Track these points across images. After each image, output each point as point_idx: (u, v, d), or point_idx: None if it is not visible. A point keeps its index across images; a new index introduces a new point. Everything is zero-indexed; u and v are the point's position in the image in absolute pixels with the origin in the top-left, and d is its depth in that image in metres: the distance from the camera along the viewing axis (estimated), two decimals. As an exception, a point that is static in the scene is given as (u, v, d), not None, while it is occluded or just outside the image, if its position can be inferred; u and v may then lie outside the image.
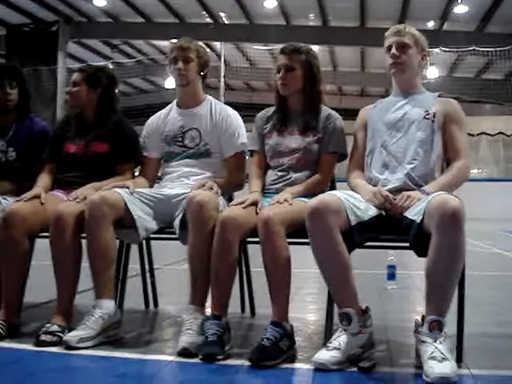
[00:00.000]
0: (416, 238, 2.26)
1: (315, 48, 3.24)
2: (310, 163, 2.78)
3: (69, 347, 2.43)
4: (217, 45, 17.74)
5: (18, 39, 19.53)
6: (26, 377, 2.18)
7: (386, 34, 2.70)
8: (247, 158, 3.00)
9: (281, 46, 2.88)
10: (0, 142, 3.14)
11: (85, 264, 2.66)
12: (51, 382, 2.14)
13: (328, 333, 2.45)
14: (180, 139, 2.99)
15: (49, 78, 18.28)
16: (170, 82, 18.73)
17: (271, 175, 2.83)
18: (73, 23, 18.90)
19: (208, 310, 2.51)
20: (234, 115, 3.03)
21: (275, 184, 2.78)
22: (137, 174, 3.11)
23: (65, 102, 17.48)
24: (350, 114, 3.10)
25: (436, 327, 2.15)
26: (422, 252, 2.28)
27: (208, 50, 3.11)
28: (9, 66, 3.34)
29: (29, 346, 2.50)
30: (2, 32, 20.45)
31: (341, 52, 18.80)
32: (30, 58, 18.83)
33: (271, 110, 2.93)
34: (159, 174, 3.10)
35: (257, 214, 2.48)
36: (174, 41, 3.05)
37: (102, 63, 16.33)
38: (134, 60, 20.47)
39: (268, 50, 17.78)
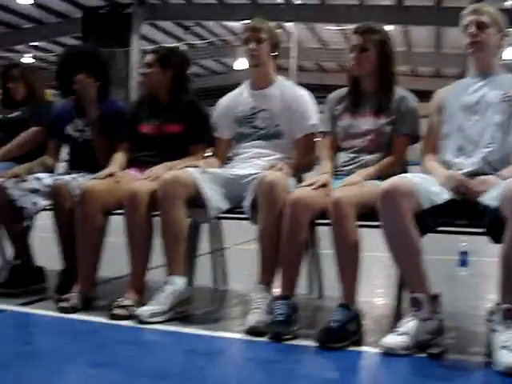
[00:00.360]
0: (491, 223, 2.20)
1: (389, 28, 3.17)
2: (382, 145, 2.73)
3: (141, 321, 2.51)
4: (288, 25, 17.61)
5: (93, 22, 19.99)
6: (100, 348, 2.27)
7: (463, 12, 2.61)
8: (318, 139, 2.99)
9: (353, 26, 2.83)
10: (79, 122, 3.25)
11: (157, 241, 2.72)
12: (123, 353, 2.22)
13: (397, 317, 2.43)
14: (251, 120, 3.00)
15: (123, 60, 18.65)
16: (239, 63, 18.80)
17: (342, 157, 2.80)
18: (146, 5, 19.18)
19: (276, 290, 2.53)
20: (305, 96, 3.02)
21: (346, 166, 2.75)
22: (209, 154, 3.15)
23: (138, 83, 17.81)
24: (423, 95, 3.02)
25: (510, 316, 2.09)
26: (497, 238, 2.21)
27: (279, 30, 3.10)
28: (88, 51, 3.39)
29: (103, 319, 2.59)
30: (78, 15, 21.00)
31: (415, 32, 18.31)
32: (105, 40, 19.22)
33: (344, 91, 2.90)
34: (230, 155, 3.12)
35: (327, 195, 2.47)
36: (246, 22, 3.05)
37: (174, 45, 16.51)
38: (205, 41, 20.61)
39: (340, 30, 17.51)
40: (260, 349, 2.31)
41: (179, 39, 19.94)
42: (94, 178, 2.83)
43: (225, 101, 3.16)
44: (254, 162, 2.88)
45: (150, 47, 12.42)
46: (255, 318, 2.43)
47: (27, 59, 23.24)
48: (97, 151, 3.20)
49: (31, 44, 25.24)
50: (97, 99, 3.21)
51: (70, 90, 3.22)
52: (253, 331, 2.39)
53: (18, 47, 25.31)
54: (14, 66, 3.63)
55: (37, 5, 21.27)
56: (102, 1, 20.11)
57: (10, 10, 22.21)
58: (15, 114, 3.54)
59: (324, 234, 2.64)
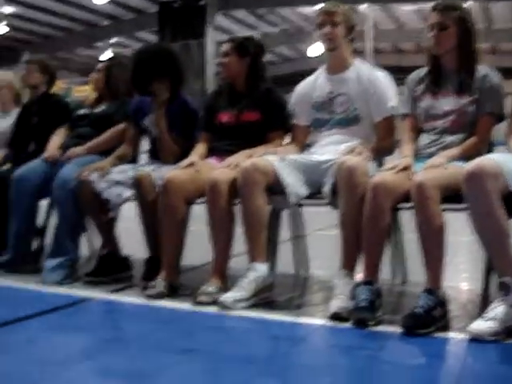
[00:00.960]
0: None
1: (468, 4, 3.06)
2: (465, 125, 2.64)
3: (224, 308, 2.54)
4: (363, 7, 17.30)
5: (169, 15, 20.31)
6: (185, 334, 2.32)
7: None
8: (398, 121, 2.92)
9: (431, 4, 2.75)
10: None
11: (240, 229, 2.74)
12: (208, 339, 2.25)
13: (484, 302, 2.36)
14: (329, 105, 2.97)
15: (198, 51, 18.87)
16: (313, 49, 18.65)
17: (424, 139, 2.73)
18: (220, -5, 19.31)
19: (359, 276, 2.51)
20: (383, 78, 2.96)
21: (428, 148, 2.68)
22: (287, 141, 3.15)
23: (215, 74, 18.00)
24: (507, 72, 2.89)
25: None
26: None
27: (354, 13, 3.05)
28: (161, 56, 3.31)
29: (187, 306, 2.65)
30: (154, 9, 21.40)
31: (496, 7, 17.58)
32: (180, 32, 19.55)
33: (423, 71, 2.82)
34: (308, 142, 3.11)
35: (409, 179, 2.41)
36: (320, 6, 3.02)
37: (248, 33, 16.57)
38: (279, 28, 20.56)
39: (417, 9, 17.03)
40: (343, 335, 2.29)
41: (253, 28, 19.99)
42: (175, 169, 2.88)
43: (301, 87, 3.14)
44: (333, 148, 2.84)
45: (224, 37, 12.52)
46: (338, 303, 2.41)
47: (107, 56, 23.82)
48: (162, 148, 3.27)
49: (110, 41, 25.95)
50: (169, 98, 3.26)
51: (145, 92, 3.30)
52: (336, 317, 2.38)
53: (98, 44, 26.10)
54: (113, 60, 3.75)
55: (113, 2, 21.84)
56: (176, -6, 20.39)
57: (88, 9, 22.91)
58: (101, 108, 3.65)
59: (407, 218, 2.58)
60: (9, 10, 23.27)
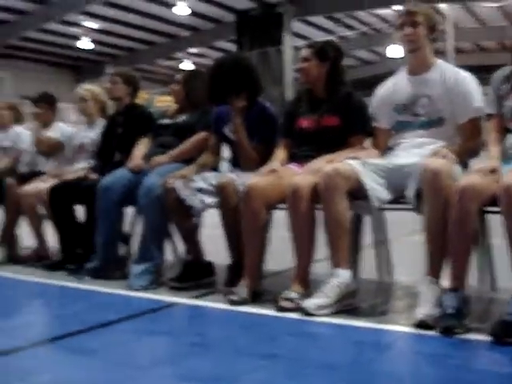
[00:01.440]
0: None
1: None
2: (556, 124, 2.53)
3: (307, 314, 2.53)
4: (442, 6, 16.88)
5: (246, 24, 20.53)
6: (267, 339, 2.32)
7: None
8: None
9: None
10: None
11: (322, 234, 2.73)
12: (290, 345, 2.26)
13: None
14: (411, 107, 2.91)
15: (276, 58, 18.96)
16: (392, 51, 18.34)
17: (510, 139, 2.63)
18: (296, 2, 19.33)
19: (445, 282, 2.44)
20: (467, 78, 2.86)
21: (516, 149, 2.58)
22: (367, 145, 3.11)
23: (293, 80, 18.03)
24: None
25: None
26: None
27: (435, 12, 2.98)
28: (238, 70, 3.32)
29: (270, 311, 2.65)
30: (232, 18, 21.69)
31: None
32: (258, 40, 19.71)
33: (508, 69, 2.71)
34: (390, 145, 3.05)
35: (497, 182, 2.32)
36: (398, 7, 2.96)
37: (326, 38, 16.51)
38: (357, 32, 20.38)
39: (499, 6, 16.46)
40: (429, 343, 2.23)
41: (330, 32, 19.91)
42: (257, 175, 2.90)
43: (382, 90, 3.09)
44: (416, 151, 2.78)
45: (301, 43, 12.53)
46: (424, 311, 2.35)
47: (186, 66, 24.39)
48: (241, 155, 3.30)
49: (189, 51, 26.48)
50: (246, 107, 3.29)
51: (222, 103, 3.34)
52: (421, 325, 2.32)
53: (178, 55, 26.70)
54: (194, 72, 3.84)
55: (192, 13, 22.27)
56: (253, 3, 20.60)
57: (169, 21, 23.47)
58: (183, 118, 3.73)
59: (495, 222, 2.49)
60: (93, 25, 24.21)
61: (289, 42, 18.96)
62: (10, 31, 23.14)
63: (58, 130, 4.69)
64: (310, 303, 2.56)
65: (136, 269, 3.29)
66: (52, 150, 4.63)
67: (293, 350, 2.17)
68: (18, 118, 5.12)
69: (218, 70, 3.32)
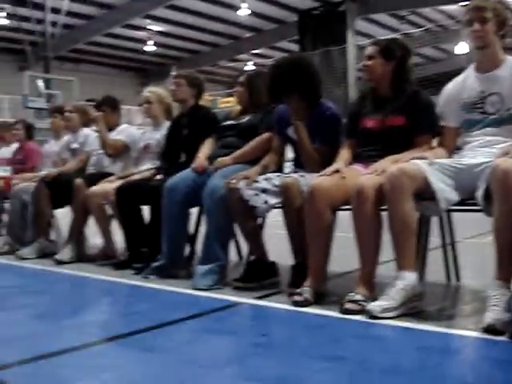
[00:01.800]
0: None
1: None
2: None
3: (372, 316, 2.49)
4: (512, 2, 16.35)
5: (309, 23, 20.49)
6: (332, 341, 2.30)
7: None
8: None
9: None
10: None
11: (387, 235, 2.69)
12: (355, 347, 2.23)
13: None
14: (480, 105, 2.83)
15: (339, 58, 18.86)
16: (461, 48, 17.92)
17: None
18: (359, 0, 19.16)
19: (516, 286, 2.36)
20: None
21: None
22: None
23: (356, 80, 17.87)
24: None
25: None
26: None
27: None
28: (297, 72, 3.30)
29: (334, 313, 2.63)
30: (294, 19, 21.69)
31: None
32: (321, 39, 19.66)
33: None
34: (458, 144, 2.98)
35: None
36: (465, 3, 2.88)
37: (390, 36, 16.28)
38: (422, 29, 20.00)
39: None
40: (498, 348, 2.16)
41: (394, 30, 19.64)
42: (321, 175, 2.89)
43: (450, 87, 3.01)
44: (486, 151, 2.70)
45: (365, 42, 12.39)
46: (493, 315, 2.28)
47: (249, 67, 24.54)
48: (304, 156, 3.28)
49: (252, 52, 26.64)
50: (307, 107, 3.27)
51: (281, 102, 3.34)
52: (490, 329, 2.24)
53: (241, 56, 26.89)
54: (257, 73, 3.85)
55: (255, 14, 22.40)
56: (315, 2, 20.53)
57: (231, 23, 23.67)
58: (246, 119, 3.75)
59: None
60: (157, 28, 24.66)
61: (352, 41, 18.81)
62: (78, 36, 23.88)
63: (124, 132, 4.80)
64: (374, 306, 2.52)
65: (200, 269, 3.32)
66: (118, 152, 4.75)
67: (357, 353, 2.14)
68: (87, 121, 5.27)
69: (276, 69, 3.32)
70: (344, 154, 3.11)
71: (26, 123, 6.27)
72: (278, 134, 3.47)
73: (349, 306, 2.61)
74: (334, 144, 3.25)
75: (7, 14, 22.04)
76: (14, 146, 6.18)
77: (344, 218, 2.91)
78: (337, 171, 2.88)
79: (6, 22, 22.83)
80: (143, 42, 25.83)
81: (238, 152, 3.60)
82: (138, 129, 5.19)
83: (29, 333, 2.52)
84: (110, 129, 4.86)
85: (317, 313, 2.67)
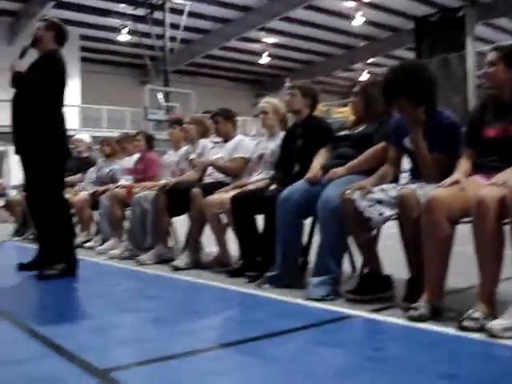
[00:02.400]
0: None
1: None
2: None
3: (492, 335, 2.38)
4: None
5: (425, 30, 20.03)
6: (448, 359, 2.22)
7: None
8: None
9: None
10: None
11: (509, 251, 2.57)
12: (473, 366, 2.14)
13: None
14: None
15: (457, 65, 18.27)
16: None
17: None
18: (479, 5, 18.49)
19: None
20: None
21: None
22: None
23: (476, 87, 17.23)
24: None
25: None
26: None
27: None
28: (408, 78, 3.18)
29: (451, 330, 2.53)
30: (410, 26, 21.27)
31: None
32: (438, 46, 19.15)
33: None
34: None
35: None
36: None
37: (512, 42, 15.55)
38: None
39: None
40: None
41: (518, 35, 18.76)
42: (440, 186, 2.80)
43: None
44: None
45: (485, 48, 11.92)
46: None
47: (364, 76, 24.38)
48: (422, 167, 3.19)
49: (366, 61, 26.44)
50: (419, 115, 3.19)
51: (392, 106, 3.28)
52: None
53: (355, 66, 26.75)
54: (372, 82, 3.79)
55: (369, 22, 22.21)
56: (432, 8, 20.06)
57: (345, 32, 23.62)
58: (361, 129, 3.71)
59: None
60: (272, 40, 25.05)
61: (471, 47, 18.17)
62: (195, 50, 24.76)
63: (241, 148, 4.88)
64: (495, 324, 2.40)
65: (314, 280, 3.32)
66: (242, 170, 4.83)
67: (475, 373, 2.05)
68: (204, 132, 5.44)
69: (388, 73, 3.26)
70: (463, 164, 3.00)
71: (147, 134, 6.57)
72: (395, 145, 3.40)
73: (467, 323, 2.50)
74: (453, 153, 3.13)
75: (129, 30, 23.31)
76: (136, 156, 6.48)
77: (463, 231, 2.80)
78: (456, 182, 2.78)
79: (127, 37, 24.16)
80: (258, 54, 26.33)
81: (353, 162, 3.56)
82: (252, 139, 5.28)
83: (145, 336, 2.63)
84: (226, 140, 4.98)
85: (433, 329, 2.59)
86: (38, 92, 4.26)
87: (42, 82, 4.24)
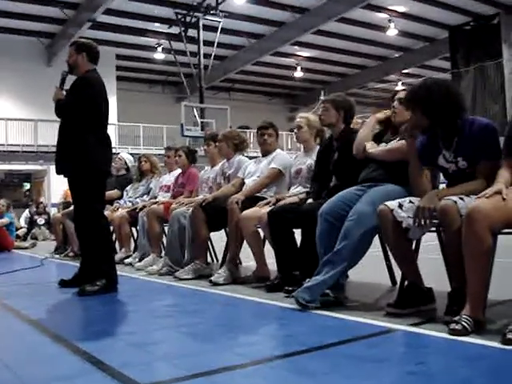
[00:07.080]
0: None
1: None
2: None
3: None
4: None
5: (460, 39, 19.84)
6: (492, 373, 2.17)
7: None
8: None
9: None
10: (448, 153, 3.20)
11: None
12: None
13: None
14: None
15: (495, 73, 18.00)
16: None
17: None
18: (515, 12, 18.21)
19: None
20: None
21: None
22: None
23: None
24: None
25: None
26: None
27: None
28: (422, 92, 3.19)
29: (495, 343, 2.48)
30: (444, 35, 21.08)
31: None
32: (474, 55, 18.93)
33: None
34: None
35: None
36: None
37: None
38: None
39: None
40: None
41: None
42: (480, 197, 2.75)
43: None
44: None
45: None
46: None
47: (399, 87, 24.21)
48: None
49: (401, 72, 26.26)
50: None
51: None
52: None
53: (390, 77, 26.59)
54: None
55: (403, 33, 22.08)
56: (467, 17, 19.86)
57: (379, 43, 23.53)
58: (396, 140, 3.66)
59: None
60: (305, 54, 25.10)
61: (508, 54, 17.89)
62: (229, 66, 24.97)
63: (278, 160, 4.90)
64: (542, 337, 2.34)
65: (308, 283, 3.34)
66: (274, 180, 4.85)
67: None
68: (239, 146, 5.47)
69: (408, 95, 3.26)
70: (503, 174, 2.93)
71: (189, 149, 6.61)
72: (424, 160, 3.33)
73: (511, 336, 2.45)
74: (498, 158, 3.05)
75: (164, 48, 23.64)
76: (176, 172, 6.55)
77: (504, 242, 2.75)
78: (497, 193, 2.73)
79: (162, 56, 24.52)
80: (292, 68, 26.39)
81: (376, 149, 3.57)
82: (289, 153, 5.30)
83: (186, 351, 2.63)
84: (264, 154, 5.01)
85: (476, 342, 2.53)
86: (70, 115, 4.41)
87: (71, 106, 4.38)
